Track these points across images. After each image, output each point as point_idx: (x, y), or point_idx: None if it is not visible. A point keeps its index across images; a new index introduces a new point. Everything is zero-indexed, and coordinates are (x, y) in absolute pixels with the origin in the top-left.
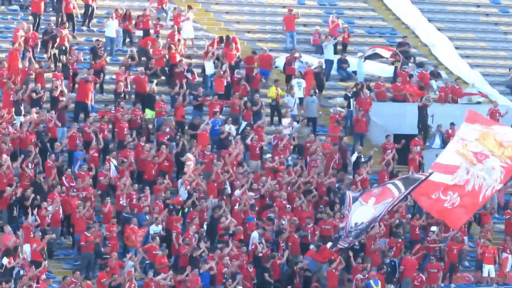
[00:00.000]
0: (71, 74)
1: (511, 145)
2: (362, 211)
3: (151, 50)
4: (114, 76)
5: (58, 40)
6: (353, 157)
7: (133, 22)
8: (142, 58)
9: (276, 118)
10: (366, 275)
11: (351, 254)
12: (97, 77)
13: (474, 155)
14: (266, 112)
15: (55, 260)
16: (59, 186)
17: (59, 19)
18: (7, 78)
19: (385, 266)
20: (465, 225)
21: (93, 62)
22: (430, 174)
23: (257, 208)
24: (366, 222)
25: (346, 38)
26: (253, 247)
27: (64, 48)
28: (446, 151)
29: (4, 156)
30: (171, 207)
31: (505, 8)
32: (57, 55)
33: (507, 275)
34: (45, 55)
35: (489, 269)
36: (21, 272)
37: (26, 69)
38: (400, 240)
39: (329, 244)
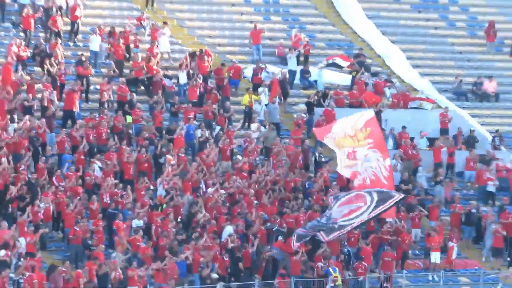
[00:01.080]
0: (59, 85)
1: (356, 129)
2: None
3: (130, 62)
4: (98, 87)
5: (52, 55)
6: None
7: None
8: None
9: (245, 123)
10: (326, 263)
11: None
12: (81, 85)
13: (348, 157)
14: (236, 118)
15: (47, 251)
16: (50, 186)
17: (48, 35)
18: (0, 89)
19: (342, 255)
20: (418, 217)
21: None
22: (404, 197)
23: (228, 204)
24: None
25: (307, 50)
26: (224, 241)
27: (56, 62)
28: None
29: (3, 159)
30: (152, 204)
31: (452, 22)
32: (48, 68)
33: (453, 262)
34: (35, 68)
35: (435, 256)
36: (19, 262)
37: (18, 81)
38: (357, 231)
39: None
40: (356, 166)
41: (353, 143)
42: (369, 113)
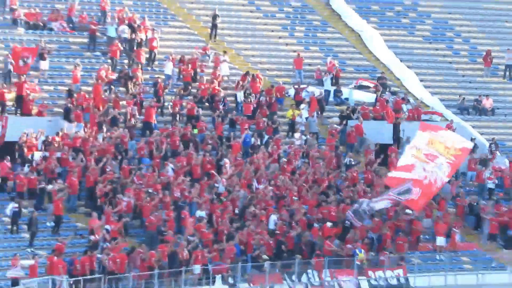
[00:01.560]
0: (139, 101)
1: (454, 145)
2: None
3: (197, 84)
4: (171, 103)
5: (134, 78)
6: (346, 161)
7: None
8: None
9: (290, 133)
10: (354, 245)
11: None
12: (158, 102)
13: (426, 156)
14: (283, 128)
15: (128, 236)
16: (132, 184)
17: (130, 62)
18: (92, 105)
19: (367, 239)
20: (430, 209)
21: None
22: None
23: (275, 198)
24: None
25: (339, 74)
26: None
27: (137, 83)
28: (404, 155)
29: (92, 162)
30: (213, 197)
31: (457, 51)
32: (131, 88)
33: (456, 244)
34: (120, 88)
35: (440, 240)
36: (105, 245)
37: (107, 99)
38: (377, 218)
39: (329, 224)
40: (428, 165)
41: (443, 151)
42: (470, 144)
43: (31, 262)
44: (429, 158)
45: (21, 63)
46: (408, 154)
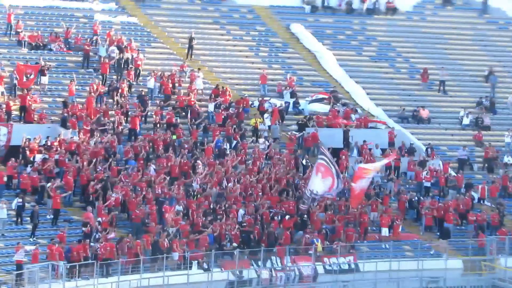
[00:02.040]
0: (125, 111)
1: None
2: (316, 182)
3: (175, 96)
4: (153, 112)
5: (120, 90)
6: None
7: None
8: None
9: (254, 138)
10: (311, 236)
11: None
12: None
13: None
14: (248, 134)
15: (117, 227)
16: (120, 182)
17: (118, 77)
18: (85, 115)
19: (323, 230)
20: (375, 204)
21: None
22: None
23: (243, 194)
24: (320, 193)
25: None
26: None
27: (123, 95)
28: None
29: (85, 163)
30: (189, 194)
31: (398, 68)
32: (118, 100)
33: (399, 235)
34: (109, 100)
35: (385, 231)
36: (97, 235)
37: (98, 109)
38: (330, 212)
39: (287, 217)
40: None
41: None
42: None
43: (33, 247)
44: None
45: (24, 78)
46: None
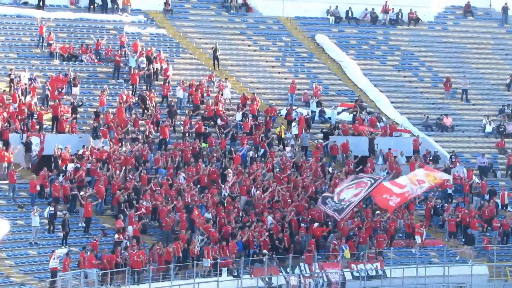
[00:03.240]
0: (155, 121)
1: (439, 177)
2: (348, 191)
3: (204, 106)
4: (182, 122)
5: (148, 101)
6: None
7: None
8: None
9: (281, 147)
10: (339, 242)
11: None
12: (170, 121)
13: (417, 181)
14: (275, 143)
15: (147, 235)
16: (150, 190)
17: (148, 87)
18: (116, 124)
19: (350, 237)
20: (401, 211)
21: (169, 117)
22: (384, 178)
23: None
24: (347, 201)
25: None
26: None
27: (153, 106)
28: (401, 177)
29: (117, 172)
30: (218, 202)
31: (421, 77)
32: (149, 109)
33: (423, 242)
34: (139, 110)
35: (418, 238)
36: (127, 243)
37: (128, 119)
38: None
39: (316, 224)
40: (414, 186)
41: (430, 179)
42: (447, 176)
43: (65, 250)
44: (419, 182)
45: (56, 92)
46: (405, 177)
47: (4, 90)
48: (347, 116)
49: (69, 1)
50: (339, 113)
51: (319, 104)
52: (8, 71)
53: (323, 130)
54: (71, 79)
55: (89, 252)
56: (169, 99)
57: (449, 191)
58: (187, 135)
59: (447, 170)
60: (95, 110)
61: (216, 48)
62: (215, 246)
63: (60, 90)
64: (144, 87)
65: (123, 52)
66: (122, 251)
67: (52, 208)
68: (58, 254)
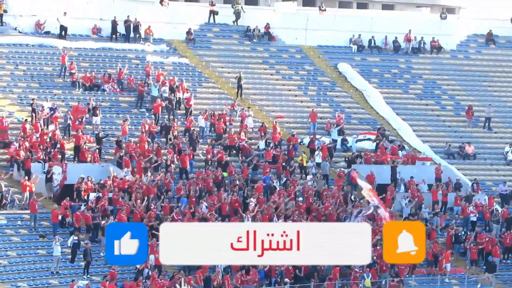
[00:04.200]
0: (177, 150)
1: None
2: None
3: (227, 135)
4: (204, 151)
5: (171, 131)
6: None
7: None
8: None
9: (304, 175)
10: (361, 270)
11: None
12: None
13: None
14: (297, 171)
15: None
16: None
17: (170, 116)
18: (138, 153)
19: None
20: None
21: (191, 145)
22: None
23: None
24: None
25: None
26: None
27: (175, 135)
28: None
29: (138, 201)
30: None
31: (444, 106)
32: (171, 138)
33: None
34: (161, 139)
35: (447, 266)
36: (149, 272)
37: (150, 149)
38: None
39: None
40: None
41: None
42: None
43: (85, 282)
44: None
45: (77, 122)
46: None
47: (26, 120)
48: (369, 145)
49: (91, 31)
50: (358, 140)
51: (341, 132)
52: (30, 100)
53: (346, 159)
54: (92, 109)
55: (108, 282)
56: (192, 128)
57: (473, 218)
58: (209, 163)
59: (468, 198)
60: (116, 139)
61: (240, 77)
62: (236, 275)
63: (80, 120)
64: (166, 117)
65: (147, 82)
66: (144, 280)
67: (75, 237)
68: (79, 284)
